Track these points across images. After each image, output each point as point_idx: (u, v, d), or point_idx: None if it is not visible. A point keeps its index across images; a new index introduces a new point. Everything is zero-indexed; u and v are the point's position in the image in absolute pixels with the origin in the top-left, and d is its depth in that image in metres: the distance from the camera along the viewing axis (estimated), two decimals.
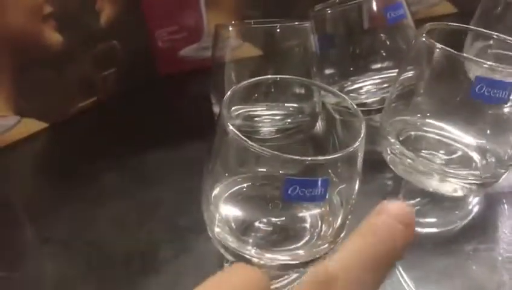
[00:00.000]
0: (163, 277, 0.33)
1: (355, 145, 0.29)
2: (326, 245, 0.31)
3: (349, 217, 0.32)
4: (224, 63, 0.40)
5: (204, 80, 0.44)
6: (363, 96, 0.44)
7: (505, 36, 0.37)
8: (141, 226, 0.37)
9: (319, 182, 0.28)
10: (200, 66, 0.51)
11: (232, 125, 0.37)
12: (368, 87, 0.44)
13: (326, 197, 0.28)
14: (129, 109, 0.50)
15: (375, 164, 0.39)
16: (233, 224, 0.32)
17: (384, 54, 0.42)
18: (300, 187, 0.27)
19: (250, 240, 0.31)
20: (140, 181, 0.42)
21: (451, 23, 0.36)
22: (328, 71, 0.43)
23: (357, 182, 0.31)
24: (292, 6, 0.53)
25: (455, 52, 0.32)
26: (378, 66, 0.43)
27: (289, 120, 0.41)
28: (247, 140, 0.28)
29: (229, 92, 0.30)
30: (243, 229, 0.32)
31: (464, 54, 0.32)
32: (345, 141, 0.45)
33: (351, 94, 0.44)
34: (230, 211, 0.33)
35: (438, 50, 0.32)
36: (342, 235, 0.32)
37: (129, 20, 0.50)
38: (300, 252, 0.31)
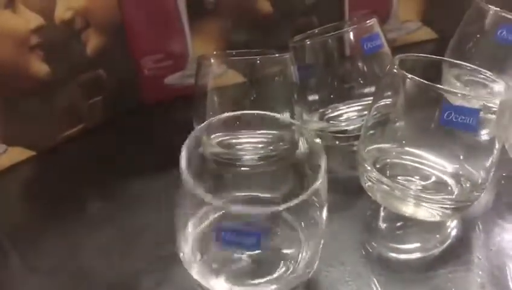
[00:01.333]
0: None
1: (308, 192, 0.29)
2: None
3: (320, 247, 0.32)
4: (206, 92, 0.41)
5: (190, 107, 0.45)
6: (343, 124, 0.45)
7: (474, 66, 0.38)
8: (125, 256, 0.38)
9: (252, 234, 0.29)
10: (185, 93, 0.52)
11: (213, 153, 0.38)
12: (348, 114, 0.45)
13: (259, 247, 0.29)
14: (115, 137, 0.51)
15: (356, 190, 0.40)
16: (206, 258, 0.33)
17: (362, 82, 0.43)
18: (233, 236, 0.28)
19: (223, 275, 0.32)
20: (125, 209, 0.43)
21: (422, 55, 0.38)
22: (308, 99, 0.44)
23: (323, 215, 0.32)
24: (275, 34, 0.54)
25: (426, 82, 0.33)
26: (357, 93, 0.44)
27: (271, 147, 0.42)
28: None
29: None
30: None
31: (435, 85, 0.33)
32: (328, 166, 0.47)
33: (331, 121, 0.45)
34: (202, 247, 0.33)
35: (408, 80, 0.34)
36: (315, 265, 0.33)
37: (115, 49, 0.51)
38: (274, 286, 0.31)
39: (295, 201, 0.29)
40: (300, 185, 0.34)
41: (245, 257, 0.33)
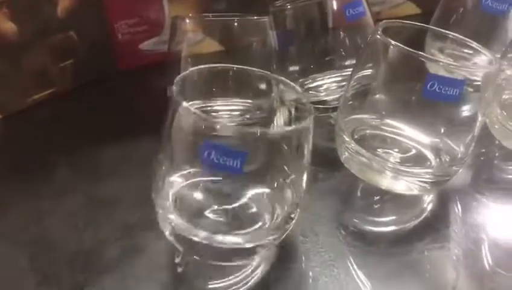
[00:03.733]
0: (108, 277, 0.33)
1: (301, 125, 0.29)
2: (273, 233, 0.31)
3: (298, 209, 0.32)
4: (180, 57, 0.39)
5: (165, 74, 0.43)
6: (322, 94, 0.44)
7: (460, 36, 0.37)
8: (91, 224, 0.36)
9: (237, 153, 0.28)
10: (160, 59, 0.50)
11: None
12: (327, 84, 0.44)
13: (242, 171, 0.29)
14: (87, 102, 0.49)
15: (332, 162, 0.39)
16: (184, 211, 0.32)
17: (343, 52, 0.42)
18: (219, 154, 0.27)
19: (201, 226, 0.31)
20: (93, 177, 0.41)
21: (407, 22, 0.36)
22: (287, 68, 0.43)
23: (305, 175, 0.31)
24: (256, 1, 0.52)
25: (409, 49, 0.32)
26: (338, 64, 0.42)
27: (247, 116, 0.41)
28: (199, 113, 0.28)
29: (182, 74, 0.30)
30: (195, 216, 0.32)
31: (419, 52, 0.32)
32: None
33: (311, 91, 0.44)
34: (182, 197, 0.32)
35: (392, 47, 0.32)
36: (289, 226, 0.32)
37: (88, 12, 0.48)
38: (249, 237, 0.31)
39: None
40: (273, 157, 0.33)
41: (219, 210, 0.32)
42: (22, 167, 0.42)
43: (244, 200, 0.33)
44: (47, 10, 0.46)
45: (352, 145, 0.35)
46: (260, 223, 0.32)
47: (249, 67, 0.34)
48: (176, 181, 0.32)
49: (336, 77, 0.43)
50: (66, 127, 0.46)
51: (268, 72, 0.35)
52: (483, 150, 0.41)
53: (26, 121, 0.46)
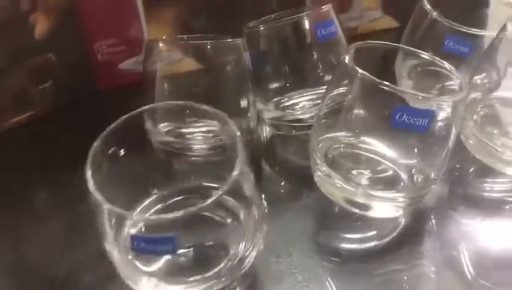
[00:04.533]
0: None
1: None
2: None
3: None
4: (154, 79, 0.40)
5: (141, 94, 0.43)
6: (298, 112, 0.44)
7: (431, 56, 0.38)
8: (68, 249, 0.36)
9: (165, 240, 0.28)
10: (140, 79, 0.50)
11: (162, 142, 0.37)
12: (303, 103, 0.44)
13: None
14: (66, 124, 0.49)
15: (308, 180, 0.39)
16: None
17: (317, 70, 0.42)
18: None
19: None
20: (73, 200, 0.41)
21: (377, 42, 0.37)
22: (263, 87, 0.43)
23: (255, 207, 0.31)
24: (234, 20, 0.53)
25: (376, 79, 0.32)
26: (313, 82, 0.43)
27: (222, 137, 0.41)
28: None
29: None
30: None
31: (384, 82, 0.32)
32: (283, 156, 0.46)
33: (287, 110, 0.44)
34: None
35: (359, 75, 0.33)
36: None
37: (66, 33, 0.49)
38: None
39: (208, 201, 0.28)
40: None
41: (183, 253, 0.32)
42: (1, 190, 0.42)
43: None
44: (24, 33, 0.46)
45: (324, 168, 0.35)
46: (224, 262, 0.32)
47: (207, 107, 0.34)
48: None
49: (311, 95, 0.43)
50: (45, 149, 0.46)
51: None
52: (458, 165, 0.42)
53: (5, 144, 0.47)
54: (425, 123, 0.32)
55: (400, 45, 0.39)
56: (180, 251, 0.31)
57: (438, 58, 0.38)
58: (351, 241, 0.37)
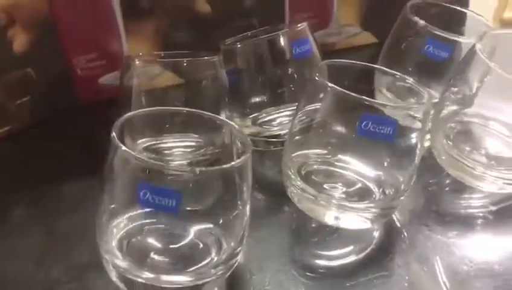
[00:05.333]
0: None
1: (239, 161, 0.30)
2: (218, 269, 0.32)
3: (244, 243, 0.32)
4: (130, 95, 0.40)
5: (118, 109, 0.43)
6: (276, 128, 0.44)
7: (402, 75, 0.38)
8: (42, 265, 0.36)
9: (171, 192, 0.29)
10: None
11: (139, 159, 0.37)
12: (280, 119, 0.45)
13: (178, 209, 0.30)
14: (45, 139, 0.49)
15: (284, 196, 0.39)
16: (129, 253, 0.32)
17: (293, 87, 0.43)
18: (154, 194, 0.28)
19: (147, 267, 0.31)
20: (50, 215, 0.41)
21: (346, 61, 0.38)
22: (241, 103, 0.44)
23: (248, 209, 0.32)
24: (214, 36, 0.53)
25: (344, 91, 0.33)
26: (290, 98, 0.43)
27: (201, 151, 0.41)
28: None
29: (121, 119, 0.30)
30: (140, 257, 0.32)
31: (352, 93, 0.33)
32: (260, 171, 0.46)
33: (264, 126, 0.45)
34: (126, 240, 0.33)
35: (329, 89, 0.33)
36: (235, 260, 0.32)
37: (45, 48, 0.49)
38: (195, 274, 0.31)
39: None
40: (228, 192, 0.33)
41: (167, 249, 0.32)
42: None
43: (189, 238, 0.33)
44: (2, 47, 0.46)
45: (299, 182, 0.36)
46: (207, 260, 0.32)
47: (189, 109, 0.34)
48: (120, 224, 0.33)
49: (288, 111, 0.44)
50: (22, 165, 0.46)
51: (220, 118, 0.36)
52: (432, 181, 0.42)
53: None
54: (391, 132, 0.32)
55: (369, 64, 0.40)
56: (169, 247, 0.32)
57: (405, 77, 0.38)
58: (326, 257, 0.37)
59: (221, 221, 0.33)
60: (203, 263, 0.32)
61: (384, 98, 0.45)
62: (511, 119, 0.40)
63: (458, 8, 0.48)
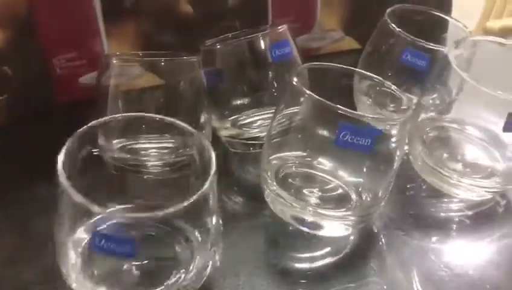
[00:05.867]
0: None
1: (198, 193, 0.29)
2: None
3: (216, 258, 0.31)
4: (107, 94, 0.39)
5: (95, 109, 0.43)
6: (256, 130, 0.44)
7: (381, 79, 0.38)
8: (15, 267, 0.36)
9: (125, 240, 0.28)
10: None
11: (114, 158, 0.37)
12: (260, 121, 0.44)
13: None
14: (21, 139, 0.48)
15: (261, 199, 0.39)
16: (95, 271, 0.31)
17: (273, 89, 0.42)
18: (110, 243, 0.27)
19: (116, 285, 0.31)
20: (24, 216, 0.40)
21: (325, 64, 0.37)
22: (219, 105, 0.43)
23: (214, 224, 0.31)
24: (196, 37, 0.53)
25: (321, 100, 0.33)
26: (269, 100, 0.43)
27: (177, 153, 0.41)
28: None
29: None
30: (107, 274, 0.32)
31: (328, 103, 0.32)
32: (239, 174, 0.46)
33: (244, 128, 0.44)
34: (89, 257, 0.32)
35: (306, 96, 0.33)
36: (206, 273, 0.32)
37: (24, 46, 0.48)
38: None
39: (172, 209, 0.27)
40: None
41: (133, 267, 0.31)
42: None
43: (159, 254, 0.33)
44: None
45: (275, 187, 0.36)
46: (177, 277, 0.32)
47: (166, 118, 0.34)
48: (80, 238, 0.32)
49: (268, 113, 0.43)
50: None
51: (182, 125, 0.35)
52: (409, 186, 0.42)
53: None
54: (369, 143, 0.32)
55: (349, 67, 0.39)
56: (134, 263, 0.31)
57: (385, 81, 0.38)
58: (301, 261, 0.37)
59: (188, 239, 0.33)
60: (173, 279, 0.32)
61: (363, 103, 0.45)
62: (487, 125, 0.40)
63: (440, 14, 0.48)
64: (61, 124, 0.50)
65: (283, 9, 0.57)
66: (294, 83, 0.34)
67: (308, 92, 0.33)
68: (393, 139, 0.35)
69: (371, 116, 0.35)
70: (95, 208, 0.27)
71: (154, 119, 0.35)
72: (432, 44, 0.43)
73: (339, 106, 0.32)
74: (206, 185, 0.29)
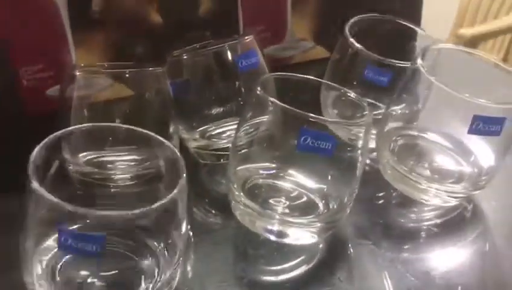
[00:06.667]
0: None
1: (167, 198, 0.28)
2: None
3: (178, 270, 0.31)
4: (70, 107, 0.39)
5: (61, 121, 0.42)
6: (224, 141, 0.44)
7: (345, 89, 0.39)
8: None
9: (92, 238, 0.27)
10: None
11: (81, 173, 0.36)
12: (229, 131, 0.44)
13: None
14: None
15: (229, 210, 0.39)
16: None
17: (240, 99, 0.42)
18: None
19: None
20: None
21: (291, 74, 0.38)
22: (187, 116, 0.43)
23: (182, 235, 0.30)
24: (166, 47, 0.53)
25: (284, 106, 0.33)
26: (237, 111, 0.43)
27: (144, 165, 0.40)
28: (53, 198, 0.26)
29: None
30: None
31: (292, 108, 0.33)
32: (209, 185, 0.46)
33: (213, 139, 0.44)
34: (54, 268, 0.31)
35: (271, 103, 0.33)
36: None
37: None
38: None
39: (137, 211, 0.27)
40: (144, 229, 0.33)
41: (99, 279, 0.31)
42: None
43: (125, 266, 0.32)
44: None
45: (242, 199, 0.35)
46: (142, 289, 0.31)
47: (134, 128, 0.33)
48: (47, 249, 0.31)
49: (236, 124, 0.43)
50: None
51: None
52: (378, 194, 0.43)
53: None
54: (329, 147, 0.32)
55: (314, 78, 0.40)
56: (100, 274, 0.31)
57: (348, 90, 0.39)
58: (269, 273, 0.36)
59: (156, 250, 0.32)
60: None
61: (330, 114, 0.46)
62: (453, 131, 0.41)
63: (406, 23, 0.49)
64: (28, 136, 0.50)
65: (254, 19, 0.57)
66: (258, 92, 0.34)
67: (271, 99, 0.33)
68: (356, 146, 0.35)
69: (331, 120, 0.36)
70: (68, 206, 0.27)
71: (121, 129, 0.34)
72: (392, 60, 0.43)
73: (299, 110, 0.32)
74: (175, 191, 0.29)
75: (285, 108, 0.32)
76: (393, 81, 0.43)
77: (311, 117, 0.32)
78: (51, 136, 0.32)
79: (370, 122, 0.35)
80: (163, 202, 0.28)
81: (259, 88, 0.34)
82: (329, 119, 0.34)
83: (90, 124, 0.35)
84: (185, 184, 0.30)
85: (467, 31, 1.13)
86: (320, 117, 0.33)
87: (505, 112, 0.37)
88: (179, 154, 0.32)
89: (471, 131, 0.36)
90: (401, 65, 0.43)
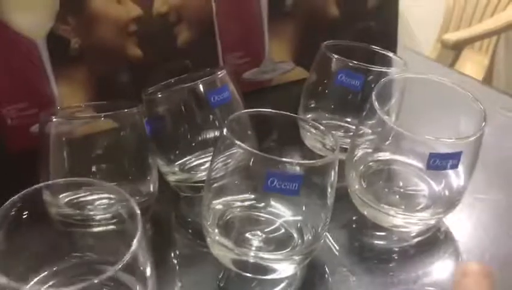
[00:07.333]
0: None
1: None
2: None
3: None
4: (48, 149, 0.40)
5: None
6: (203, 173, 0.45)
7: (313, 122, 0.40)
8: None
9: None
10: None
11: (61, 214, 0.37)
12: (208, 163, 0.45)
13: None
14: None
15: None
16: None
17: (217, 132, 0.43)
18: None
19: None
20: None
21: (261, 110, 0.38)
22: (165, 151, 0.44)
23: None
24: (147, 79, 0.54)
25: (249, 149, 0.33)
26: (214, 143, 0.44)
27: (124, 203, 0.41)
28: None
29: None
30: None
31: (257, 152, 0.34)
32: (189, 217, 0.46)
33: (192, 171, 0.45)
34: None
35: (237, 145, 0.34)
36: None
37: None
38: None
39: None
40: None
41: None
42: None
43: None
44: None
45: (217, 237, 0.36)
46: None
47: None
48: None
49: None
50: None
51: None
52: (354, 218, 0.43)
53: None
54: (296, 187, 0.33)
55: (289, 114, 0.40)
56: None
57: (314, 122, 0.40)
58: None
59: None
60: None
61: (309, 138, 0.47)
62: (417, 162, 0.42)
63: (379, 50, 0.50)
64: (13, 173, 0.51)
65: (233, 46, 0.58)
66: (225, 133, 0.35)
67: (237, 142, 0.34)
68: (324, 178, 0.36)
69: (297, 161, 0.36)
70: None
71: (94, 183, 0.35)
72: (364, 64, 0.45)
73: (265, 154, 0.33)
74: (133, 247, 0.29)
75: (251, 152, 0.33)
76: (366, 85, 0.44)
77: (276, 161, 0.33)
78: (29, 189, 0.32)
79: (336, 157, 0.35)
80: (119, 266, 0.29)
81: (225, 130, 0.35)
82: (296, 161, 0.35)
83: (68, 179, 0.35)
84: (141, 241, 0.30)
85: (451, 36, 1.14)
86: (285, 160, 0.34)
87: (462, 146, 0.37)
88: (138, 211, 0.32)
89: (429, 167, 0.37)
90: (375, 69, 0.44)
